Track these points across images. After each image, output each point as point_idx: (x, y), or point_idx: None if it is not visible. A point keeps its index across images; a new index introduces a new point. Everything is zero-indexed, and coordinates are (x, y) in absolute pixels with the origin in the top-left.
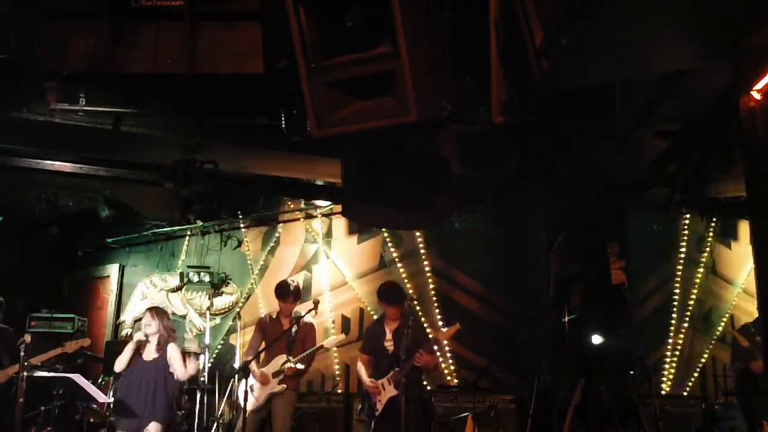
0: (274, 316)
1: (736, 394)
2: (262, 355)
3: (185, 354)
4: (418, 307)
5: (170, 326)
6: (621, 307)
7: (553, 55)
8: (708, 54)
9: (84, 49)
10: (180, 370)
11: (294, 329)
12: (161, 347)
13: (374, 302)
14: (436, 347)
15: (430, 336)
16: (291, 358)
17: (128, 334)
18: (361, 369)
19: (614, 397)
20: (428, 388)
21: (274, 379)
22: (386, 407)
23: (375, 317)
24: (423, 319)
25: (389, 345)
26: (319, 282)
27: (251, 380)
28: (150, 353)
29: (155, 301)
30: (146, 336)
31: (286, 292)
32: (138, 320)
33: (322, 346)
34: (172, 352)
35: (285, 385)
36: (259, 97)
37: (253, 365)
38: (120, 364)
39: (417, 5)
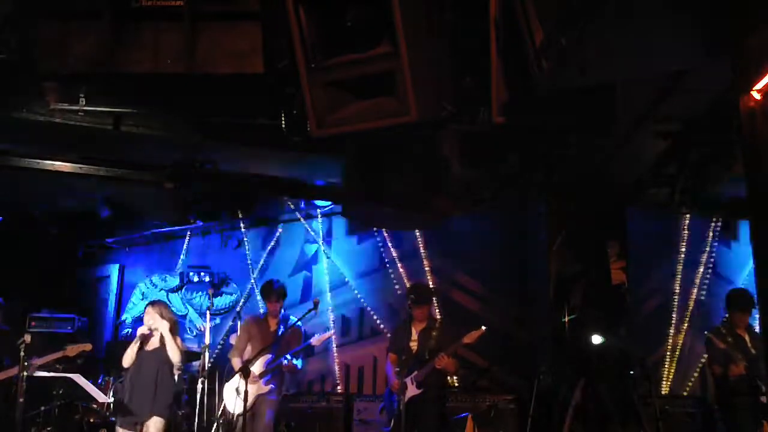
0: (262, 318)
1: (719, 402)
2: (248, 355)
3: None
4: None
5: (172, 318)
6: (621, 307)
7: (553, 55)
8: (708, 54)
9: (84, 49)
10: (171, 352)
11: (281, 331)
12: (163, 339)
13: (376, 301)
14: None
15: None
16: (288, 356)
17: (129, 333)
18: (389, 367)
19: (614, 397)
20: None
21: (260, 379)
22: (407, 406)
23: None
24: None
25: (414, 345)
26: (319, 282)
27: (238, 381)
28: (153, 344)
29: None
30: (150, 330)
31: (269, 292)
32: (139, 320)
33: (309, 344)
34: (168, 339)
35: (272, 385)
36: (259, 97)
37: (237, 362)
38: (128, 358)
39: (417, 5)
